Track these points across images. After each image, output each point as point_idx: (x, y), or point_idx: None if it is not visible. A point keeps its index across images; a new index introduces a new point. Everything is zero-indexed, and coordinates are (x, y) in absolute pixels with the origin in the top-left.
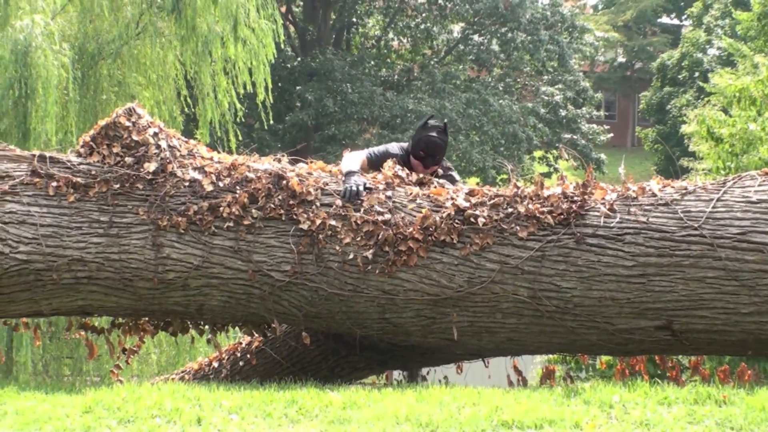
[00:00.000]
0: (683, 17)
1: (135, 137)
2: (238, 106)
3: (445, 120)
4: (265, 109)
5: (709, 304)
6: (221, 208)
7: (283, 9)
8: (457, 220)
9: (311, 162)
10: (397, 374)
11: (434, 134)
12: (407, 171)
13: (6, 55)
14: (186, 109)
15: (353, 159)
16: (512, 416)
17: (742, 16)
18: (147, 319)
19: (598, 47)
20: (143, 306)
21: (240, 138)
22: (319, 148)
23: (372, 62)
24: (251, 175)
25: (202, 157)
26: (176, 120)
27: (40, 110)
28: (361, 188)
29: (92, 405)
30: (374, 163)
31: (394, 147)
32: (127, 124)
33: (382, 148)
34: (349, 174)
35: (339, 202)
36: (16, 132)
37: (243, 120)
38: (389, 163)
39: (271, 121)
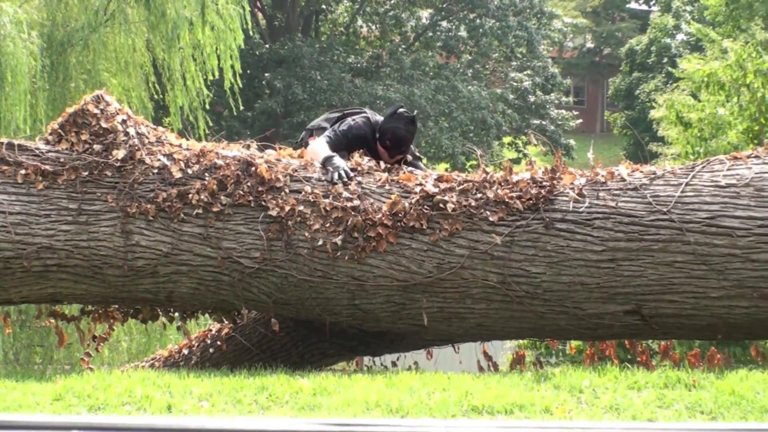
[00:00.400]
0: (651, 2)
1: (103, 124)
2: (206, 92)
3: (416, 111)
4: (234, 95)
5: (678, 289)
6: (190, 195)
7: None
8: (426, 206)
9: (280, 148)
10: (367, 360)
11: (401, 126)
12: (374, 161)
13: None
14: (155, 96)
15: (322, 145)
16: (482, 401)
17: (710, 1)
18: (117, 306)
19: (566, 33)
20: (113, 293)
21: (210, 125)
22: (288, 135)
23: (340, 49)
24: (220, 162)
25: (171, 144)
26: (146, 107)
27: (10, 98)
28: (348, 169)
29: (62, 393)
30: (335, 145)
31: (358, 123)
32: (96, 111)
33: (344, 127)
34: (328, 159)
35: (308, 188)
36: None
37: (211, 107)
38: (357, 154)
39: (241, 108)
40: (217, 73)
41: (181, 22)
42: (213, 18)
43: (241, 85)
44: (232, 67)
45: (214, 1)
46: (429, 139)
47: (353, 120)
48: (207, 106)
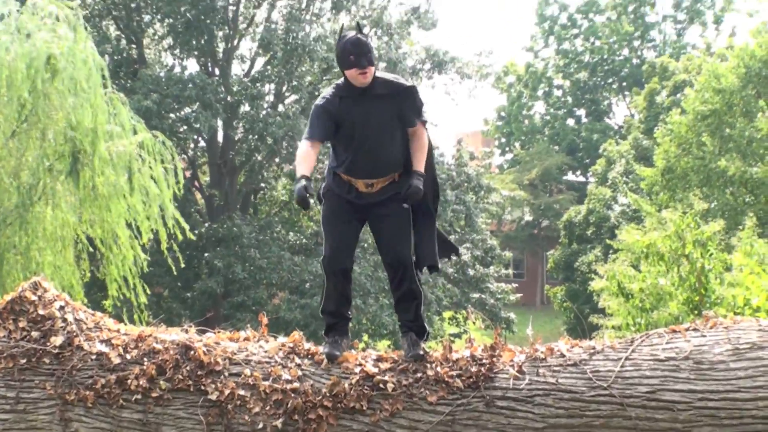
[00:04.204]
0: (588, 174)
1: (41, 311)
2: (143, 257)
3: (356, 20)
4: (173, 252)
5: None
6: (129, 381)
7: (188, 174)
8: (366, 386)
9: (218, 332)
10: None
11: (351, 34)
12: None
13: None
14: (90, 271)
15: (300, 149)
16: None
17: (645, 173)
18: None
19: (504, 206)
20: None
21: (146, 300)
22: (230, 315)
23: (279, 226)
24: (158, 347)
25: (109, 329)
26: (82, 281)
27: None
28: (301, 190)
29: None
30: (311, 130)
31: (319, 103)
32: (33, 298)
33: (312, 117)
34: (298, 180)
35: (247, 371)
36: None
37: (151, 288)
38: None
39: (182, 265)
40: (148, 238)
41: (112, 194)
42: (146, 183)
43: (189, 236)
44: (173, 225)
45: (143, 165)
46: (370, 315)
47: (315, 104)
48: (144, 281)
